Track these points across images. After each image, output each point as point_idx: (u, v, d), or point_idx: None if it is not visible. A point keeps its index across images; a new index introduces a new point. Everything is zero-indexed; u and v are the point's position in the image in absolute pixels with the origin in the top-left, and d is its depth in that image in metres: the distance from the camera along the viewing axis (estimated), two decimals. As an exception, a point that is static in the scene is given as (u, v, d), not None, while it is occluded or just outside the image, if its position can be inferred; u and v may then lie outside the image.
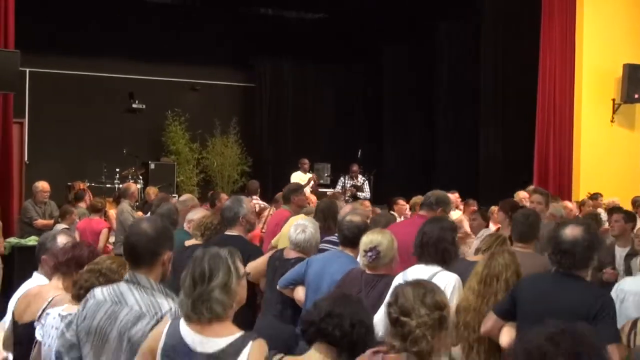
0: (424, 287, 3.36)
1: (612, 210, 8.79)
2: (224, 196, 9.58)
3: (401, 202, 11.84)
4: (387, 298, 3.45)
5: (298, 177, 15.20)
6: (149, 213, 8.90)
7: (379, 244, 5.08)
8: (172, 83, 18.67)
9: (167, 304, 3.58)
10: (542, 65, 14.56)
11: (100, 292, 3.71)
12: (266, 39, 18.95)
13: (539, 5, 14.51)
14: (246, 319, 4.79)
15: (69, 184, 15.26)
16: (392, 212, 11.03)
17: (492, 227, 9.36)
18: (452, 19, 17.68)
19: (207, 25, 18.22)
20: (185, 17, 18.02)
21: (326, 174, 17.32)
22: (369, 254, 5.07)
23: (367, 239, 5.15)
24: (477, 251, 5.87)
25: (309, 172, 15.47)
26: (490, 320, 4.49)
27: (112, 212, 11.72)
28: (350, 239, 5.66)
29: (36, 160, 16.65)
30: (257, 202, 11.12)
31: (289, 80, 19.97)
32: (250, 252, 6.19)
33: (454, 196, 11.57)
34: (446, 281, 4.78)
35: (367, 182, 15.66)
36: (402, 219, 10.40)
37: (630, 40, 14.27)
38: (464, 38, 17.41)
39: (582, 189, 13.91)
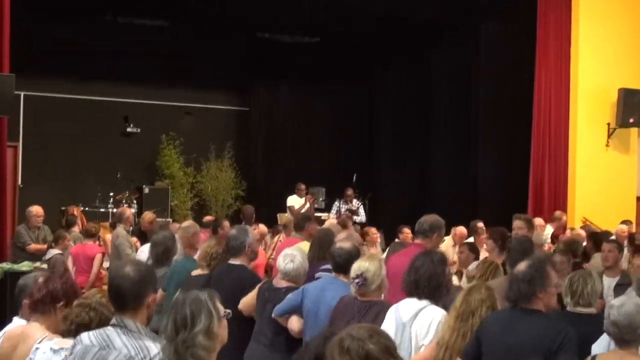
0: (374, 332, 3.18)
1: (604, 240, 8.76)
2: (226, 223, 9.53)
3: (406, 230, 11.67)
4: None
5: (294, 200, 15.17)
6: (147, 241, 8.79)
7: (366, 270, 5.19)
8: (167, 107, 18.64)
9: (155, 348, 3.57)
10: (538, 90, 14.57)
11: (87, 337, 3.71)
12: (261, 63, 18.97)
13: (534, 29, 14.55)
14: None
15: (63, 208, 15.22)
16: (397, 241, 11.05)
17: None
18: (447, 41, 17.71)
19: (201, 49, 18.20)
20: (180, 41, 18.02)
21: (321, 198, 17.26)
22: (356, 280, 5.18)
23: (356, 266, 5.27)
24: (470, 279, 5.84)
25: (305, 196, 15.43)
26: None
27: (107, 237, 11.65)
28: (342, 265, 5.77)
29: (30, 184, 16.55)
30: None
31: (283, 104, 19.93)
32: (252, 282, 6.34)
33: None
34: (432, 315, 4.89)
35: (362, 205, 15.62)
36: None
37: (625, 64, 14.31)
38: (460, 61, 17.41)
39: (577, 213, 13.90)
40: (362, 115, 20.46)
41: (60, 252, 10.34)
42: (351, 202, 15.48)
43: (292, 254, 6.18)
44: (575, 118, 14.29)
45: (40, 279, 4.50)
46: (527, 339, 4.26)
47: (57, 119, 17.26)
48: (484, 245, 8.91)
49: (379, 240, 11.47)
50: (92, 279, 9.85)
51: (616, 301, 4.51)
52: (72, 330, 4.00)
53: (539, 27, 14.54)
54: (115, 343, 3.61)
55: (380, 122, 19.95)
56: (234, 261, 6.59)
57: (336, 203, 15.67)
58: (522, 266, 4.51)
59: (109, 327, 3.69)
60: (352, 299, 5.27)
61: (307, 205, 15.07)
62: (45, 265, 9.96)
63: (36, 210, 11.44)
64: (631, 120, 14.17)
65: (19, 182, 16.67)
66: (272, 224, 13.08)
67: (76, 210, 14.57)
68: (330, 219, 13.50)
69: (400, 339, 4.78)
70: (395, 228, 12.13)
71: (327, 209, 16.39)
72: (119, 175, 16.52)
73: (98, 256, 10.24)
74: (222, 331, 3.40)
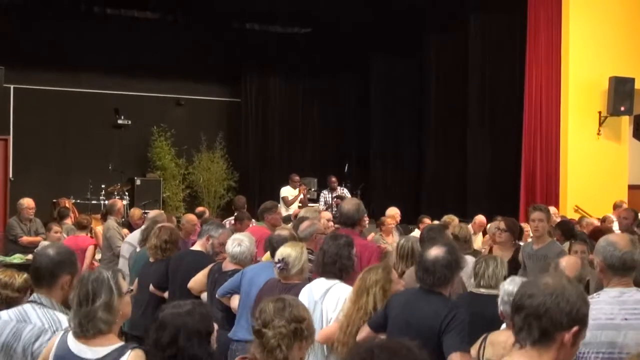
0: (285, 302, 3.58)
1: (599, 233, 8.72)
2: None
3: (427, 220, 11.63)
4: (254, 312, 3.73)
5: (288, 191, 15.14)
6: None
7: (288, 255, 5.60)
8: (158, 98, 18.61)
9: (66, 321, 3.84)
10: (529, 78, 14.61)
11: (6, 314, 4.07)
12: (252, 53, 18.94)
13: (525, 18, 14.56)
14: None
15: (55, 200, 15.18)
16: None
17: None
18: (439, 31, 17.70)
19: (192, 40, 18.18)
20: (170, 32, 17.97)
21: (313, 189, 17.25)
22: (278, 265, 5.61)
23: (278, 252, 5.71)
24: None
25: (299, 187, 15.41)
26: (364, 332, 4.84)
27: (98, 228, 11.61)
28: None
29: (21, 177, 16.50)
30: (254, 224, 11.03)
31: (275, 95, 19.90)
32: (206, 264, 6.86)
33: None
34: (340, 292, 5.30)
35: (346, 190, 15.64)
36: None
37: (616, 53, 14.31)
38: (452, 51, 17.42)
39: (569, 201, 13.93)
40: (354, 105, 20.44)
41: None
42: (336, 189, 15.50)
43: (240, 239, 6.64)
44: (567, 107, 14.29)
45: None
46: (423, 318, 4.50)
47: (47, 111, 17.19)
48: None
49: (394, 228, 11.35)
50: (84, 271, 9.79)
51: (506, 282, 4.74)
52: None
53: (530, 17, 14.56)
54: (31, 317, 3.96)
55: (372, 113, 19.92)
56: (194, 248, 7.30)
57: (323, 193, 15.66)
58: (438, 252, 4.66)
59: (26, 304, 4.04)
60: (277, 281, 5.69)
61: (301, 196, 15.05)
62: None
63: (27, 202, 11.40)
64: (622, 109, 14.19)
65: (10, 175, 16.61)
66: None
67: (68, 203, 14.53)
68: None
69: (312, 315, 4.83)
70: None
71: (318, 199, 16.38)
72: (110, 168, 16.48)
73: (90, 248, 10.20)
74: (124, 307, 3.71)
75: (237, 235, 6.77)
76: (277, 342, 3.38)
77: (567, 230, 8.69)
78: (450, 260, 4.64)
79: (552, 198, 14.17)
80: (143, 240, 8.18)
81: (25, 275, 4.68)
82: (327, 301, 5.30)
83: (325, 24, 18.50)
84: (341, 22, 17.99)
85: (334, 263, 5.45)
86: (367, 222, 11.21)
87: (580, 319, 2.59)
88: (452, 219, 10.15)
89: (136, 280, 7.45)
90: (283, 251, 5.67)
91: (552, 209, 10.34)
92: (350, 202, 7.02)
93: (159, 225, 7.80)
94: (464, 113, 16.79)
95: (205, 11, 17.82)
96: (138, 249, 8.43)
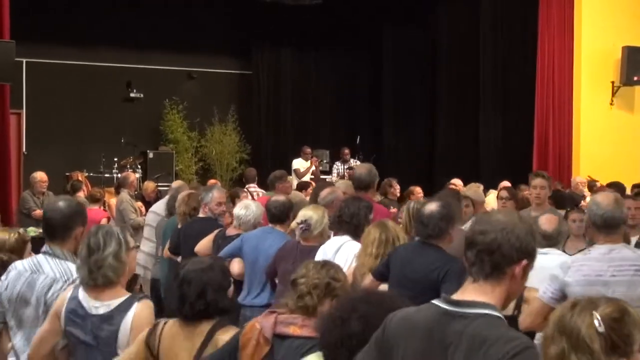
0: (326, 263, 3.76)
1: (629, 195, 8.70)
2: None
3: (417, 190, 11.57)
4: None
5: (300, 163, 15.18)
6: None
7: (310, 217, 5.84)
8: (170, 71, 18.60)
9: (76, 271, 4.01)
10: (541, 49, 14.51)
11: (20, 264, 4.23)
12: (263, 25, 18.87)
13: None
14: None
15: (67, 174, 15.24)
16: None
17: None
18: (451, 3, 17.61)
19: (203, 13, 18.14)
20: (182, 5, 17.92)
21: (325, 161, 17.28)
22: (301, 226, 5.84)
23: (301, 214, 5.94)
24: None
25: (311, 159, 15.44)
26: (367, 281, 5.15)
27: (112, 201, 11.69)
28: (278, 217, 6.46)
29: (34, 151, 16.59)
30: (255, 189, 11.09)
31: (287, 67, 19.86)
32: (213, 228, 7.10)
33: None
34: (351, 249, 5.59)
35: (359, 162, 15.67)
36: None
37: (629, 22, 14.19)
38: (464, 22, 17.33)
39: (582, 172, 13.87)
40: (366, 77, 20.39)
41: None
42: (348, 161, 15.57)
43: (247, 204, 6.97)
44: (580, 77, 14.21)
45: None
46: (421, 269, 4.79)
47: (59, 85, 17.22)
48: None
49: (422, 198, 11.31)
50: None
51: None
52: None
53: (542, -14, 14.45)
54: (44, 268, 4.11)
55: (384, 85, 19.87)
56: (201, 215, 7.46)
57: (336, 164, 15.75)
58: (433, 206, 5.00)
59: (40, 255, 4.19)
60: (296, 243, 5.92)
61: (313, 168, 15.08)
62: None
63: (40, 176, 11.48)
64: (635, 78, 14.09)
65: (24, 149, 16.70)
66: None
67: (80, 176, 14.59)
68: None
69: None
70: (401, 190, 12.05)
71: (331, 171, 16.43)
72: (122, 141, 16.52)
73: (103, 221, 10.27)
74: (131, 260, 3.95)
75: (246, 201, 7.07)
76: (309, 289, 3.51)
77: (559, 199, 8.75)
78: (444, 214, 4.94)
79: (565, 169, 14.15)
80: (169, 210, 8.37)
81: (18, 234, 4.84)
82: (338, 258, 5.45)
83: (336, -5, 18.42)
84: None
85: (351, 221, 5.73)
86: (397, 189, 11.26)
87: (529, 252, 2.68)
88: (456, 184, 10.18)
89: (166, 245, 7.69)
90: (305, 213, 5.90)
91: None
92: (363, 167, 7.32)
93: (187, 192, 8.01)
94: (476, 84, 16.74)
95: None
96: (165, 218, 8.57)
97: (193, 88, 18.87)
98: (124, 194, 10.87)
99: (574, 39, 14.20)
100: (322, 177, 15.64)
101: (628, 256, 4.58)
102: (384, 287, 5.04)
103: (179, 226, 7.57)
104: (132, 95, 18.14)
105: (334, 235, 5.93)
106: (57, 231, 4.18)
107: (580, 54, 14.16)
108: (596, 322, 2.34)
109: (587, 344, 2.33)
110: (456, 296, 2.65)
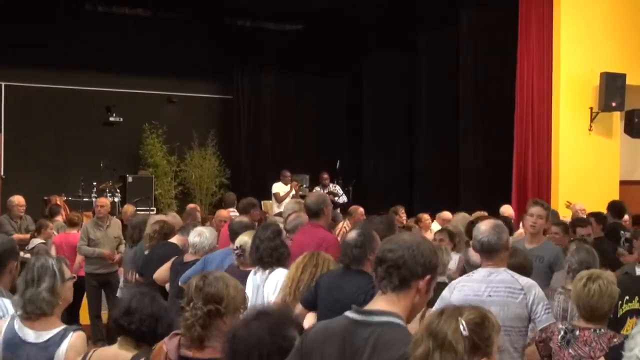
0: (205, 281, 3.72)
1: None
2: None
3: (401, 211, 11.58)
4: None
5: (279, 187, 15.17)
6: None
7: (245, 243, 6.06)
8: (149, 95, 18.58)
9: (12, 306, 4.19)
10: (520, 74, 14.60)
11: None
12: (244, 50, 18.92)
13: (516, 14, 14.56)
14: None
15: (46, 198, 15.14)
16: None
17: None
18: (431, 29, 17.70)
19: (184, 37, 18.15)
20: (162, 29, 17.94)
21: (305, 185, 17.27)
22: (236, 251, 6.11)
23: (237, 240, 6.20)
24: None
25: (290, 183, 15.43)
26: (297, 310, 5.25)
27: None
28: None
29: (13, 174, 16.43)
30: (234, 214, 11.05)
31: (267, 92, 19.87)
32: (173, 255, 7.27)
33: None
34: (279, 276, 5.74)
35: (338, 187, 15.72)
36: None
37: (607, 48, 14.32)
38: (443, 48, 17.41)
39: (560, 198, 13.92)
40: (346, 102, 20.45)
41: (43, 241, 10.31)
42: (328, 185, 15.59)
43: (201, 230, 7.18)
44: (558, 103, 14.29)
45: None
46: (348, 293, 4.93)
47: (39, 109, 17.17)
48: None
49: (430, 225, 11.32)
50: (75, 268, 9.81)
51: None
52: None
53: (521, 12, 14.55)
54: None
55: (364, 109, 19.90)
56: (171, 240, 7.72)
57: (315, 189, 15.68)
58: (352, 234, 5.21)
59: None
60: (235, 267, 6.14)
61: (293, 192, 15.06)
62: (28, 255, 9.90)
63: (18, 200, 11.38)
64: (613, 104, 14.19)
65: (2, 172, 16.55)
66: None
67: (59, 200, 14.50)
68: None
69: (255, 298, 5.67)
70: (379, 214, 11.99)
71: (310, 196, 16.37)
72: (102, 165, 16.44)
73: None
74: (67, 292, 4.13)
75: (199, 228, 7.30)
76: (193, 322, 3.56)
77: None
78: (359, 241, 5.10)
79: (544, 194, 14.16)
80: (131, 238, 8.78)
81: None
82: (268, 285, 5.77)
83: (316, 20, 18.49)
84: (333, 19, 17.96)
85: (270, 255, 5.86)
86: (404, 217, 11.25)
87: (432, 269, 3.03)
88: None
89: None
90: (241, 239, 6.14)
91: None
92: (312, 195, 7.70)
93: (156, 220, 8.25)
94: (456, 109, 16.78)
95: (197, 8, 17.79)
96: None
97: (173, 112, 18.84)
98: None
99: (553, 65, 14.30)
100: (301, 201, 15.57)
101: (505, 279, 4.98)
102: (312, 315, 5.24)
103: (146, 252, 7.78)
104: (111, 119, 18.07)
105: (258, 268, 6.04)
106: None
107: (559, 80, 14.25)
108: (461, 327, 2.56)
109: (453, 346, 2.54)
110: (367, 307, 2.99)
